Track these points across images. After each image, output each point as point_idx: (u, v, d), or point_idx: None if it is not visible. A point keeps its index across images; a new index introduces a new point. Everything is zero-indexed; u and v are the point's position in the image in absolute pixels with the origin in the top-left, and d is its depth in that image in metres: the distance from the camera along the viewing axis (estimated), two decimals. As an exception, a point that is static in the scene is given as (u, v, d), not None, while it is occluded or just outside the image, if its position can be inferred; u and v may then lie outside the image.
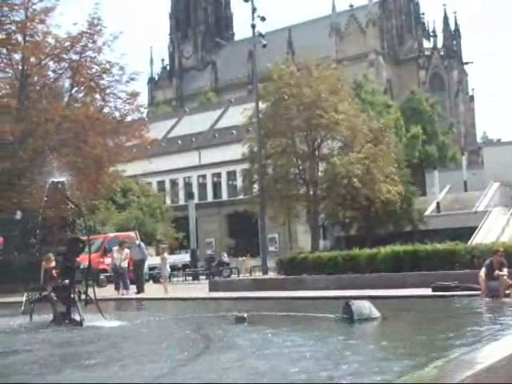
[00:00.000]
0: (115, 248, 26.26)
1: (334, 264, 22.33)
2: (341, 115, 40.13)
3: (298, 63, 50.13)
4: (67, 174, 14.59)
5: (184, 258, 46.11)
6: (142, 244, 27.16)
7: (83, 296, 13.59)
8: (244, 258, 47.55)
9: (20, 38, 32.68)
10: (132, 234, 37.05)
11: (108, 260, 28.36)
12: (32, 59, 32.55)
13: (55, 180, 14.09)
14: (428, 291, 16.42)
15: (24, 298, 15.91)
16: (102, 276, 30.85)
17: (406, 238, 35.68)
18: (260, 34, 39.16)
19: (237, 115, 51.65)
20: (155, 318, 14.38)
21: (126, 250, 25.36)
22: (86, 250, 14.95)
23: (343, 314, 11.49)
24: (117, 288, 24.66)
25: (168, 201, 65.73)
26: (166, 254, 26.82)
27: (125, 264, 24.81)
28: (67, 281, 13.55)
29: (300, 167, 42.61)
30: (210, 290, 23.18)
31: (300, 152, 42.16)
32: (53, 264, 17.47)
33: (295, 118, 41.12)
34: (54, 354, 9.34)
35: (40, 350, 9.77)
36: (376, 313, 11.50)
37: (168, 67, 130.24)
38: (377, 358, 7.62)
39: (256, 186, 43.10)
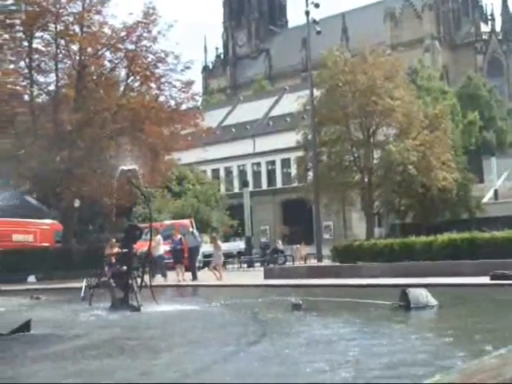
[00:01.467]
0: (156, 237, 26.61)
1: (390, 252, 22.18)
2: (396, 101, 39.72)
3: (352, 49, 49.87)
4: (135, 162, 14.68)
5: (239, 245, 46.33)
6: (195, 232, 27.47)
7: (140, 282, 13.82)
8: (298, 245, 47.49)
9: (77, 29, 33.15)
10: (187, 221, 37.45)
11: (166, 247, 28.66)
12: (89, 50, 32.96)
13: (125, 168, 14.24)
14: (486, 280, 16.15)
15: (83, 284, 16.23)
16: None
17: (463, 225, 35.23)
18: (314, 21, 38.96)
19: (291, 103, 51.50)
20: (211, 305, 14.51)
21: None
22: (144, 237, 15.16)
23: (400, 301, 11.41)
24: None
25: (223, 189, 66.03)
26: (218, 242, 26.96)
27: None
28: (125, 267, 13.78)
29: (355, 154, 42.36)
30: (265, 277, 23.25)
31: (355, 139, 41.89)
32: (115, 250, 17.80)
33: (350, 105, 40.85)
34: (116, 338, 9.51)
35: (101, 335, 9.95)
36: (433, 301, 11.39)
37: (222, 55, 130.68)
38: (438, 345, 7.56)
39: (310, 174, 43.01)
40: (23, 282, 27.30)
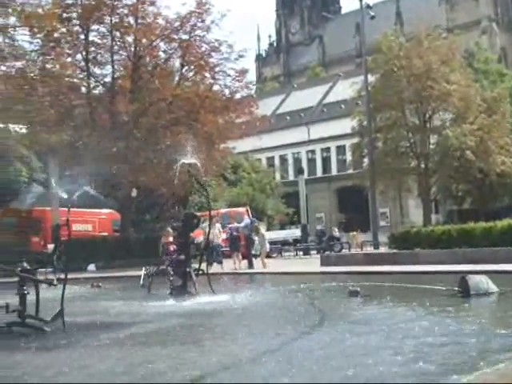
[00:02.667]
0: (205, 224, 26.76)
1: (448, 238, 21.86)
2: (453, 86, 39.15)
3: (407, 34, 49.17)
4: (194, 154, 14.76)
5: (295, 233, 46.37)
6: (247, 220, 27.57)
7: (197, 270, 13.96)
8: (354, 232, 47.30)
9: (132, 21, 33.51)
10: (243, 209, 37.62)
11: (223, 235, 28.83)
12: (144, 41, 33.30)
13: (186, 161, 14.36)
14: (548, 266, 15.82)
15: (142, 272, 16.46)
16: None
17: (523, 211, 34.54)
18: (368, 6, 38.59)
19: (345, 89, 51.16)
20: (268, 292, 14.57)
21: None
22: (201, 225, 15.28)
23: (459, 288, 11.27)
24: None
25: (278, 176, 66.09)
26: (262, 231, 26.90)
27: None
28: (183, 255, 13.92)
29: (411, 140, 41.93)
30: (322, 264, 23.21)
31: (410, 124, 41.47)
32: (171, 238, 18.02)
33: (405, 90, 40.43)
34: (173, 326, 9.62)
35: (158, 322, 10.09)
36: (494, 288, 11.21)
37: (275, 43, 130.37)
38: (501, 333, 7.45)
39: (366, 160, 42.76)
40: (83, 270, 27.82)
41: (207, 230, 21.35)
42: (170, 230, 19.17)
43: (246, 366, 6.27)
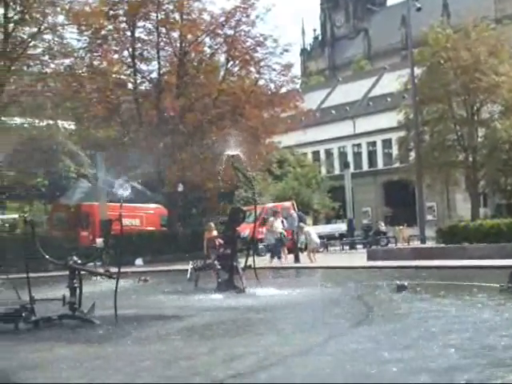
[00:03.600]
0: (271, 218, 26.85)
1: (497, 232, 21.56)
2: (502, 77, 38.54)
3: (454, 25, 48.46)
4: (239, 147, 14.84)
5: (341, 227, 46.21)
6: (294, 214, 27.56)
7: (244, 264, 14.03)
8: (401, 227, 46.87)
9: (177, 17, 33.68)
10: (289, 204, 37.62)
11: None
12: (189, 36, 33.44)
13: (230, 153, 14.45)
14: None
15: (189, 267, 16.61)
16: (260, 245, 31.49)
17: None
18: (414, -2, 38.18)
19: (391, 82, 50.77)
20: (315, 286, 14.58)
21: (280, 219, 25.86)
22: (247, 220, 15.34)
23: (509, 283, 11.12)
24: (272, 256, 25.30)
25: (323, 171, 65.93)
26: (306, 227, 26.79)
27: (278, 234, 25.29)
28: (229, 250, 14.01)
29: (458, 133, 41.40)
30: (369, 258, 23.11)
31: (458, 117, 40.96)
32: (214, 233, 18.14)
33: (452, 83, 39.94)
34: (219, 320, 9.69)
35: (205, 316, 10.17)
36: (543, 282, 11.04)
37: (320, 37, 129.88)
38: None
39: (412, 154, 42.36)
40: (131, 264, 28.14)
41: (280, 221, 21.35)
42: (212, 224, 19.33)
43: (292, 360, 6.30)
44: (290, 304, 11.47)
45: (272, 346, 7.08)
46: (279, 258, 25.07)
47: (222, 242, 14.83)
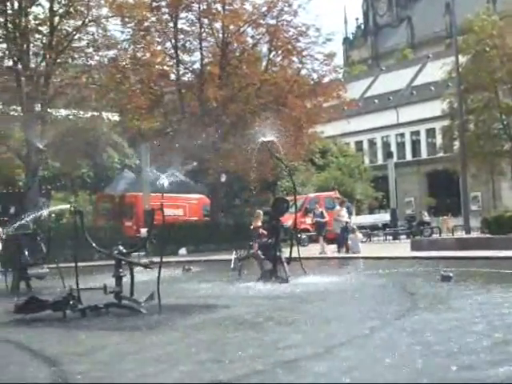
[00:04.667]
0: (338, 207, 26.69)
1: (544, 222, 21.26)
2: (549, 65, 37.88)
3: (500, 12, 47.70)
4: (275, 133, 14.87)
5: (384, 217, 45.93)
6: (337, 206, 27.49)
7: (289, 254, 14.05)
8: (445, 217, 46.41)
9: (220, 8, 33.77)
10: (332, 194, 37.52)
11: (308, 220, 28.80)
12: (231, 27, 33.51)
13: (265, 139, 14.47)
14: None
15: (233, 256, 16.69)
16: (303, 235, 31.48)
17: None
18: (459, -15, 37.64)
19: (435, 71, 50.20)
20: (359, 276, 14.54)
21: (345, 209, 25.74)
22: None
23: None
24: (339, 246, 24.97)
25: (366, 160, 65.56)
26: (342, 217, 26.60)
27: (342, 225, 25.10)
28: (273, 239, 14.03)
29: (504, 122, 40.81)
30: (412, 249, 22.96)
31: (504, 106, 40.35)
32: (259, 222, 18.19)
33: (498, 71, 39.38)
34: (262, 309, 9.71)
35: (248, 306, 10.20)
36: None
37: (362, 26, 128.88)
38: None
39: (457, 143, 41.90)
40: (174, 254, 28.36)
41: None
42: (260, 212, 19.31)
43: (337, 350, 6.30)
44: (334, 293, 11.46)
45: (316, 335, 7.09)
46: (341, 247, 24.78)
47: (265, 232, 14.87)
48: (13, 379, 5.66)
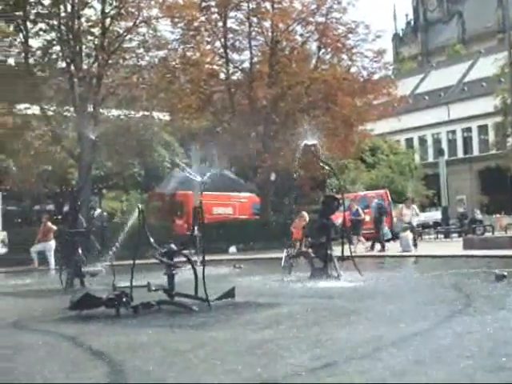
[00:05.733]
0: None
1: None
2: None
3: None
4: (319, 135, 14.94)
5: (435, 215, 45.41)
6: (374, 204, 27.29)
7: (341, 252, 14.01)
8: (498, 215, 45.66)
9: (269, 6, 33.83)
10: (382, 192, 37.24)
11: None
12: (280, 25, 33.50)
13: (308, 143, 14.52)
14: None
15: (283, 254, 16.70)
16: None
17: None
18: (512, -22, 37.00)
19: (487, 66, 49.53)
20: (410, 275, 14.42)
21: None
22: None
23: None
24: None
25: (417, 158, 64.88)
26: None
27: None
28: (324, 238, 14.00)
29: (559, 118, 39.98)
30: (464, 247, 22.64)
31: (560, 101, 39.49)
32: (304, 223, 18.20)
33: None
34: (313, 307, 9.70)
35: (299, 304, 10.20)
36: None
37: (412, 22, 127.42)
38: None
39: (510, 140, 41.31)
40: (225, 252, 28.52)
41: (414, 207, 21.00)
42: (305, 213, 19.32)
43: (390, 348, 6.26)
44: (385, 292, 11.39)
45: (368, 334, 7.06)
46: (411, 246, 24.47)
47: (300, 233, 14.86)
48: (69, 375, 5.76)
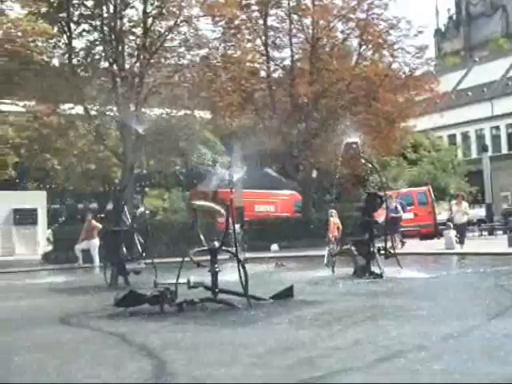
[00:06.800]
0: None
1: None
2: None
3: None
4: (360, 133, 14.93)
5: (479, 212, 44.83)
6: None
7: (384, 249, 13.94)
8: (544, 211, 44.89)
9: (309, 3, 33.71)
10: (425, 189, 36.93)
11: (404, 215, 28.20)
12: (321, 22, 33.35)
13: (349, 141, 14.53)
14: None
15: (326, 252, 16.69)
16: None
17: None
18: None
19: (532, 61, 48.68)
20: (454, 272, 14.30)
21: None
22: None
23: None
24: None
25: (460, 154, 64.14)
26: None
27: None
28: (366, 235, 13.96)
29: None
30: (510, 245, 22.33)
31: None
32: (335, 220, 18.29)
33: None
34: (356, 305, 9.69)
35: (343, 301, 10.21)
36: None
37: (454, 16, 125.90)
38: None
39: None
40: (267, 250, 28.55)
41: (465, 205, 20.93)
42: (333, 211, 19.32)
43: (435, 347, 6.23)
44: (429, 290, 11.32)
45: (412, 332, 7.03)
46: (462, 242, 24.23)
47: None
48: (118, 374, 5.84)
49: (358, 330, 7.42)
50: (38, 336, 8.12)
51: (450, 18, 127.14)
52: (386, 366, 5.52)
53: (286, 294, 10.10)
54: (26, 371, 5.99)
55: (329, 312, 9.01)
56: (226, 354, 6.34)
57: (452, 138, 67.58)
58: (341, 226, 19.02)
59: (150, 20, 30.57)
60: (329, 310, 9.28)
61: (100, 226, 23.19)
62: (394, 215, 25.91)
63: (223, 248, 10.30)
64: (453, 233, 24.10)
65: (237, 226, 11.07)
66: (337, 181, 36.60)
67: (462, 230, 24.24)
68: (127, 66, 30.60)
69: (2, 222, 32.40)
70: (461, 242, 23.92)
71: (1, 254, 26.84)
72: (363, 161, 18.67)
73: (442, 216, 34.29)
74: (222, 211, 10.78)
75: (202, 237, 10.43)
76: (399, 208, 26.25)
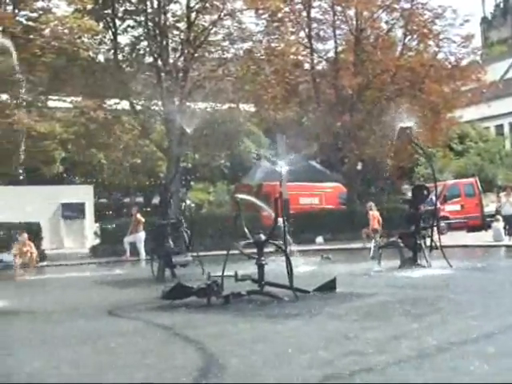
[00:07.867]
0: (503, 193, 25.82)
1: None
2: None
3: None
4: (414, 119, 14.72)
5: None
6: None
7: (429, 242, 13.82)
8: None
9: (353, -6, 33.51)
10: (472, 180, 36.45)
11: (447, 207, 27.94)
12: (365, 13, 33.09)
13: (403, 125, 14.36)
14: None
15: (372, 245, 16.62)
16: (442, 223, 30.73)
17: None
18: None
19: None
20: (503, 265, 14.11)
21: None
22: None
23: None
24: (509, 233, 23.89)
25: (507, 145, 63.05)
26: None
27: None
28: (413, 228, 13.87)
29: None
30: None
31: None
32: (374, 212, 18.21)
33: None
34: (403, 297, 9.63)
35: (389, 294, 10.15)
36: None
37: (502, 4, 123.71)
38: None
39: None
40: (312, 242, 28.50)
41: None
42: (372, 204, 19.20)
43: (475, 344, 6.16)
44: (476, 284, 11.19)
45: (453, 327, 6.97)
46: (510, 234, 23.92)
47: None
48: (168, 367, 5.91)
49: (407, 323, 7.39)
50: (87, 328, 8.25)
51: (497, 5, 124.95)
52: (426, 362, 5.48)
53: (330, 286, 10.09)
54: (75, 363, 6.10)
55: (373, 304, 8.99)
56: (273, 346, 6.38)
57: (499, 128, 66.43)
58: (380, 219, 18.92)
59: (193, 14, 30.69)
60: (373, 302, 9.25)
61: (143, 219, 23.49)
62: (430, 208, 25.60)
63: (270, 241, 10.32)
64: (501, 224, 23.75)
65: (281, 220, 11.06)
66: (384, 173, 36.51)
67: (510, 222, 23.85)
68: (171, 61, 30.78)
69: (50, 217, 32.93)
70: (509, 233, 23.55)
71: (49, 248, 27.30)
72: (415, 146, 18.37)
73: (490, 208, 33.77)
74: (264, 206, 10.80)
75: (246, 230, 10.46)
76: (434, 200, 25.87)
